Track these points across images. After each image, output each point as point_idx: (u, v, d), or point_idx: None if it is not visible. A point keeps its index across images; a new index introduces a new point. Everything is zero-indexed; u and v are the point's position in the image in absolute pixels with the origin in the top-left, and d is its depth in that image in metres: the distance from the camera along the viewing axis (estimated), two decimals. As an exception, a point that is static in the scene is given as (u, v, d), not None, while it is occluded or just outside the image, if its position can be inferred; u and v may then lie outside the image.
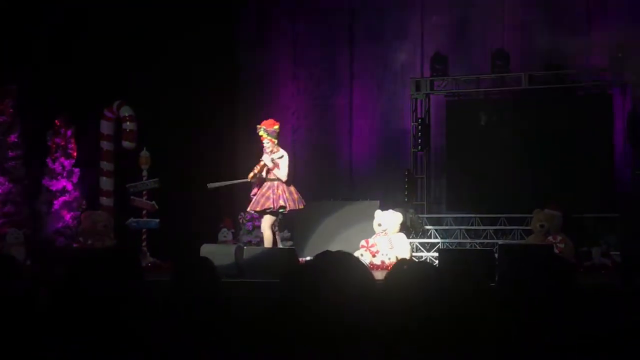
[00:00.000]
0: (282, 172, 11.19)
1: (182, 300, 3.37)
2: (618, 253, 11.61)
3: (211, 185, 11.50)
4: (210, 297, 3.36)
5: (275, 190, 11.18)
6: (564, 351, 2.77)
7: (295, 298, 2.19)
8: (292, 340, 2.15)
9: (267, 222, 11.34)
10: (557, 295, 2.92)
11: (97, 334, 2.39)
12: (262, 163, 11.24)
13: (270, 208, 11.16)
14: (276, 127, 11.29)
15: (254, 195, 11.28)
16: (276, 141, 11.22)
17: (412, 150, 14.26)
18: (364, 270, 2.34)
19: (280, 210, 11.26)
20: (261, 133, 11.21)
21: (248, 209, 11.63)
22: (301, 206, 11.32)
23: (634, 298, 7.04)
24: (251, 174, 11.16)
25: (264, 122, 11.36)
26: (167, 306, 3.32)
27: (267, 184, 11.26)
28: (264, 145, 11.21)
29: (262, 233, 11.81)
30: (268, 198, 11.17)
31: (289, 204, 11.16)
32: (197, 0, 13.73)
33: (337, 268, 2.23)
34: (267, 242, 11.34)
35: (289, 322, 2.16)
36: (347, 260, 2.30)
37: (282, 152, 11.24)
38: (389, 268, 2.88)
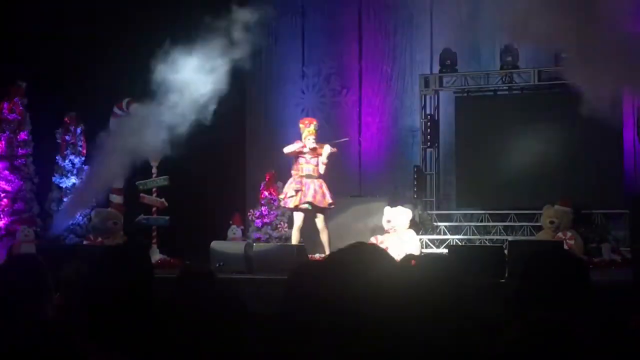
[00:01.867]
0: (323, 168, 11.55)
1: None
2: (628, 249, 11.58)
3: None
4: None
5: (320, 188, 11.47)
6: (578, 348, 2.76)
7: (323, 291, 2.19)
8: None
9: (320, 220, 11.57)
10: (570, 291, 2.92)
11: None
12: (327, 148, 11.55)
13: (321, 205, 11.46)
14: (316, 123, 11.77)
15: (297, 190, 11.41)
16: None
17: (421, 146, 14.25)
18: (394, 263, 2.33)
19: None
20: (313, 129, 11.56)
21: (293, 204, 11.55)
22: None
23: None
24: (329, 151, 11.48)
25: (306, 119, 11.93)
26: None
27: (309, 181, 11.48)
28: (311, 141, 11.47)
29: (272, 231, 11.87)
30: (324, 195, 11.44)
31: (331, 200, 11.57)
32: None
33: (370, 260, 2.23)
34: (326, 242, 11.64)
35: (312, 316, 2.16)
36: (379, 253, 2.29)
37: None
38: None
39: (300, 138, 11.64)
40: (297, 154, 11.55)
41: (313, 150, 11.53)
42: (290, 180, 11.63)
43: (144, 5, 12.78)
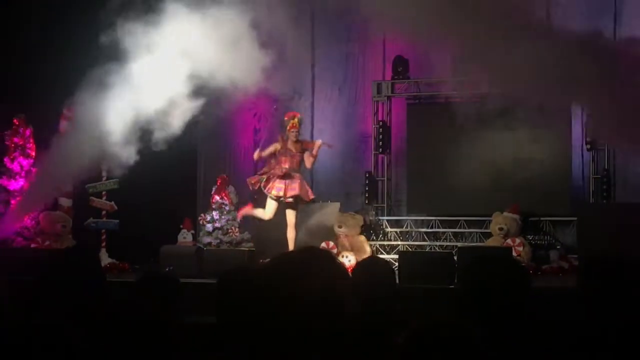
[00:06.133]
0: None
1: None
2: (575, 256, 11.74)
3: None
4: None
5: (302, 182, 11.59)
6: (521, 352, 2.80)
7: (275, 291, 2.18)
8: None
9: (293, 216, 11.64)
10: (512, 298, 2.96)
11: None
12: (319, 143, 11.66)
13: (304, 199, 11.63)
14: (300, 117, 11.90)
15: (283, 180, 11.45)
16: None
17: (373, 152, 14.31)
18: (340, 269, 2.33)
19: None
20: (297, 121, 11.64)
21: (276, 193, 11.58)
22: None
23: (591, 300, 7.11)
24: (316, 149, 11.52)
25: (290, 112, 11.99)
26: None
27: (294, 175, 11.54)
28: (293, 135, 11.55)
29: (223, 235, 11.83)
30: (307, 190, 11.60)
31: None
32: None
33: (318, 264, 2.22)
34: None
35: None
36: (328, 258, 2.29)
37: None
38: (350, 270, 2.90)
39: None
40: (274, 153, 11.62)
41: (296, 144, 11.60)
42: (272, 172, 11.63)
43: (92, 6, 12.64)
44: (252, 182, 11.79)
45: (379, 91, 14.37)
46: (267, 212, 11.71)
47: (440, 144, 13.74)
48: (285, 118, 11.84)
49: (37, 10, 12.43)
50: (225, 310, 2.88)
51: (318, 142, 11.73)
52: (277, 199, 11.54)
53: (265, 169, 11.75)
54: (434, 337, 2.13)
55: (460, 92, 13.10)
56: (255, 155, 11.80)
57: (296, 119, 11.65)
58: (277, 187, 11.46)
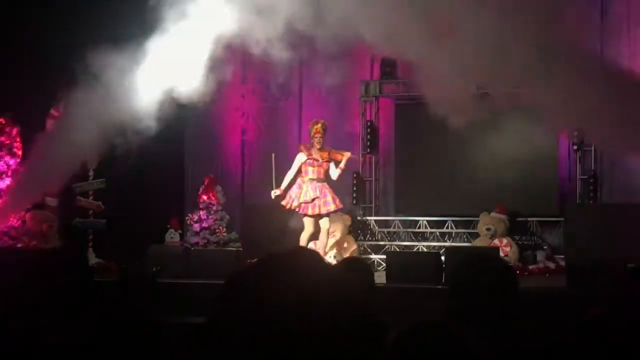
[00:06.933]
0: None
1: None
2: (562, 257, 11.80)
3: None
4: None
5: (330, 192, 11.18)
6: (510, 352, 2.80)
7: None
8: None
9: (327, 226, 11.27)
10: (500, 298, 2.96)
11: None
12: (348, 155, 11.29)
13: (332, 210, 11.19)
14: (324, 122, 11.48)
15: (313, 198, 11.05)
16: None
17: (360, 152, 14.31)
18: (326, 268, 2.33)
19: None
20: (320, 127, 11.24)
21: (312, 212, 11.14)
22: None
23: (578, 300, 7.14)
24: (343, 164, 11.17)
25: (314, 119, 11.58)
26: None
27: (318, 185, 11.13)
28: (317, 141, 11.18)
29: (210, 235, 11.81)
30: (332, 200, 11.15)
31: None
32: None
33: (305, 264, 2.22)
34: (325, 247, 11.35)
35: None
36: (315, 258, 2.28)
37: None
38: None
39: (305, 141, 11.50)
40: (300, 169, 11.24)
41: (322, 152, 11.23)
42: (297, 184, 11.24)
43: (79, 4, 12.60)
44: (284, 204, 11.29)
45: (366, 91, 14.38)
46: (306, 230, 11.22)
47: (428, 145, 13.75)
48: (309, 126, 11.51)
49: (27, 10, 12.37)
50: (223, 312, 2.88)
51: (347, 154, 11.31)
52: (317, 215, 11.16)
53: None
54: (425, 337, 2.13)
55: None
56: (283, 187, 11.23)
57: (319, 125, 11.26)
58: (312, 206, 11.10)
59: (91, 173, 12.62)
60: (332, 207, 11.08)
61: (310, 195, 11.00)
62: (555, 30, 9.85)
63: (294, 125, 14.93)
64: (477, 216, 12.61)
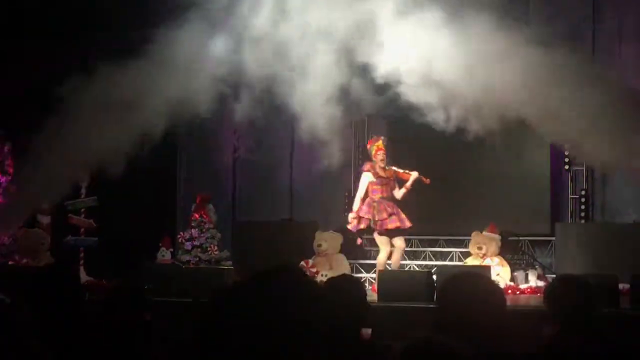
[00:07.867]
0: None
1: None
2: (554, 276, 11.79)
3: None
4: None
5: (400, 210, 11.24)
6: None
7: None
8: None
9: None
10: (488, 316, 2.97)
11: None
12: (415, 175, 11.34)
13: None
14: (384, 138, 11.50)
15: (390, 213, 11.14)
16: None
17: (353, 170, 14.28)
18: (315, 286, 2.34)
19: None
20: (381, 143, 11.29)
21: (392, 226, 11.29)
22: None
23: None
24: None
25: (374, 136, 11.63)
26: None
27: (389, 203, 11.24)
28: (380, 158, 11.20)
29: (202, 253, 11.79)
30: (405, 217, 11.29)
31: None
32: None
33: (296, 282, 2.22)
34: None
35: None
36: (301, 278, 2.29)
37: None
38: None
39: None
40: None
41: (387, 171, 11.29)
42: (367, 203, 11.27)
43: (71, 18, 12.61)
44: (355, 225, 11.36)
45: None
46: (382, 250, 11.38)
47: (420, 163, 13.73)
48: (368, 145, 11.53)
49: (19, 25, 12.39)
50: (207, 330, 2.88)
51: (414, 174, 11.36)
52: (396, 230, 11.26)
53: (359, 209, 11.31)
54: (426, 353, 2.14)
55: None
56: (355, 208, 11.33)
57: (380, 142, 11.30)
58: (390, 221, 11.16)
59: (83, 191, 12.60)
60: (407, 224, 11.24)
61: (386, 212, 11.08)
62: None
63: (286, 143, 14.90)
64: (469, 235, 12.60)
